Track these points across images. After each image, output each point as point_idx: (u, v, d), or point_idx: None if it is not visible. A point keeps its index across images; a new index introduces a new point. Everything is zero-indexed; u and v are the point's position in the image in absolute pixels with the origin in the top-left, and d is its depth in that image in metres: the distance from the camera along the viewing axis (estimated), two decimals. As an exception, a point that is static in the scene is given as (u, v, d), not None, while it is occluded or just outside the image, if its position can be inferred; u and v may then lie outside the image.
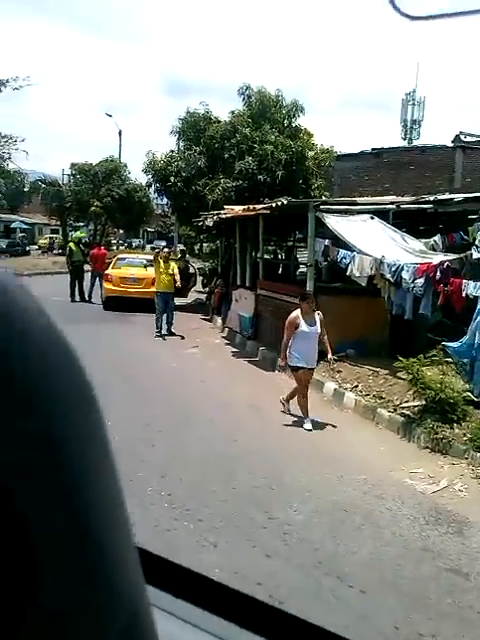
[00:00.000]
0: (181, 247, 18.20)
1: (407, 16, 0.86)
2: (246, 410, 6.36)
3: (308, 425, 5.86)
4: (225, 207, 11.76)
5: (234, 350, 9.98)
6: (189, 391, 6.97)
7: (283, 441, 5.53)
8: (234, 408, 6.40)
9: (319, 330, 6.09)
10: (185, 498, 4.11)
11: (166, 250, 11.85)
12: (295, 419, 6.17)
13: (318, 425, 5.96)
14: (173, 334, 10.77)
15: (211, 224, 12.37)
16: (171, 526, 3.74)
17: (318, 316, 6.14)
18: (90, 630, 0.26)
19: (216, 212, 11.98)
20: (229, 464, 4.90)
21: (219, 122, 14.97)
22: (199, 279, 16.65)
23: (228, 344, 10.57)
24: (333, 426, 6.05)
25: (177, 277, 10.86)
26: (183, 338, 10.60)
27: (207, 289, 15.16)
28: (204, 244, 19.83)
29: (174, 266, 11.09)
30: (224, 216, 11.35)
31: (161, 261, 10.83)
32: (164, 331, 10.69)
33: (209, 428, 5.72)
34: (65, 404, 0.27)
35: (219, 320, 12.38)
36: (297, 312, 6.12)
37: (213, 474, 4.64)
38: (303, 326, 5.99)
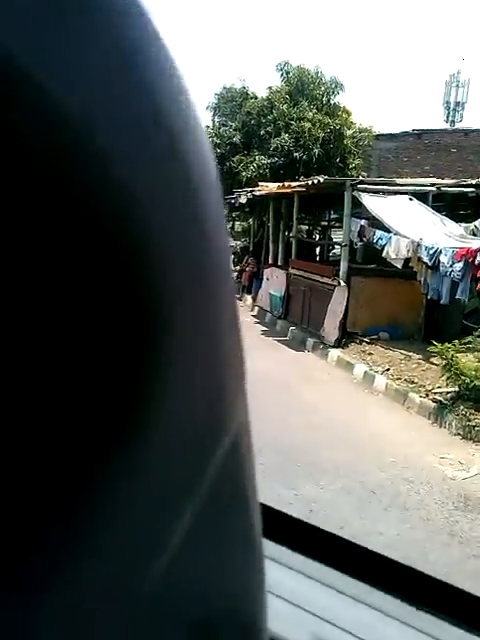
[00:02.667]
0: None
1: None
2: (274, 389, 6.33)
3: None
4: (260, 184, 11.62)
5: (264, 329, 9.94)
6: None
7: (311, 419, 5.49)
8: (262, 386, 6.37)
9: None
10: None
11: None
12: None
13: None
14: None
15: (244, 201, 12.23)
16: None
17: None
18: (201, 442, 0.21)
19: (250, 189, 11.84)
20: (256, 441, 4.87)
21: (256, 98, 14.77)
22: (230, 257, 16.57)
23: (258, 323, 10.52)
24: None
25: None
26: None
27: (238, 268, 15.10)
28: (236, 222, 19.74)
29: None
30: (258, 193, 11.21)
31: None
32: None
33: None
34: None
35: (249, 298, 12.33)
36: None
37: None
38: None
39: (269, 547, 0.70)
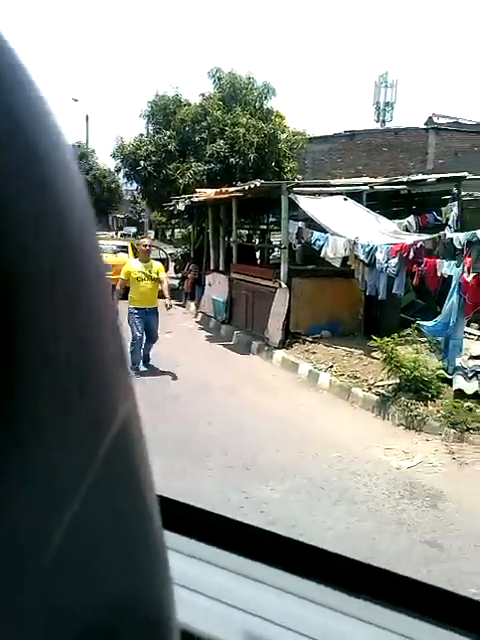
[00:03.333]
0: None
1: None
2: (221, 393, 6.32)
3: None
4: (197, 191, 11.61)
5: (208, 334, 9.91)
6: (163, 375, 6.89)
7: (258, 423, 5.50)
8: (209, 391, 6.35)
9: None
10: (159, 481, 4.03)
11: (146, 241, 7.70)
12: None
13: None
14: (152, 368, 7.06)
15: (183, 208, 12.21)
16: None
17: None
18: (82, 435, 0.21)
19: (188, 196, 11.82)
20: (204, 446, 4.85)
21: (189, 105, 14.76)
22: (171, 265, 16.49)
23: (202, 329, 10.48)
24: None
25: (165, 287, 6.96)
26: (175, 378, 6.83)
27: (180, 275, 15.02)
28: (176, 230, 19.66)
29: (160, 269, 7.04)
30: (196, 199, 11.20)
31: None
32: (142, 368, 6.96)
33: (184, 411, 5.65)
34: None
35: (192, 305, 12.28)
36: None
37: (188, 456, 4.58)
38: None
39: (177, 540, 0.68)
